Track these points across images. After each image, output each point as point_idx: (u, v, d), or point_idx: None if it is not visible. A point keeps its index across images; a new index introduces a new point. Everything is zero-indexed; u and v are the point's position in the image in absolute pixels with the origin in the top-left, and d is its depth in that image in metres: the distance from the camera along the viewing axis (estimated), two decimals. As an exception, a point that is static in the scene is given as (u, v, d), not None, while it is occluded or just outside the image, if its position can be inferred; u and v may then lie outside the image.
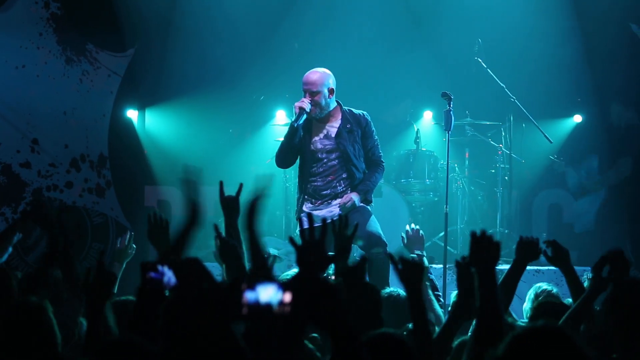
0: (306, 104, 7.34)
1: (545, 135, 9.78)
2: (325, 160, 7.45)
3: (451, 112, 8.08)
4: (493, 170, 10.47)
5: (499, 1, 10.69)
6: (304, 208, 7.42)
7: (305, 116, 7.33)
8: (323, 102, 7.37)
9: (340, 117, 7.47)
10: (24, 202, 10.22)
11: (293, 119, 7.41)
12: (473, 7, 10.74)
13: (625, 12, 10.61)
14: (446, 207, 8.32)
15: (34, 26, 10.34)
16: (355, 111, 7.56)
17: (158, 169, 10.86)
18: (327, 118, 7.46)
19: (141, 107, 11.17)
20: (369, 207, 7.46)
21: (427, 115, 11.23)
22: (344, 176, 7.47)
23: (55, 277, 5.21)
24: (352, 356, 2.63)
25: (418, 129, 10.34)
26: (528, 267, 4.73)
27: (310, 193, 7.43)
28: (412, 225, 6.27)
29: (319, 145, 7.45)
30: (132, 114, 11.01)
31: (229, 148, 11.18)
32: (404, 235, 6.19)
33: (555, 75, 10.84)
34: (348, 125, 7.46)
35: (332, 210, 7.34)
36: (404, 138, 10.81)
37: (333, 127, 7.45)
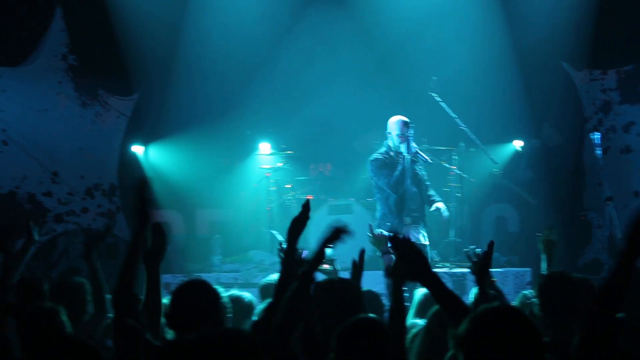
0: None
1: (490, 158, 10.71)
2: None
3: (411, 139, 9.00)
4: (447, 189, 10.88)
5: (451, 45, 11.39)
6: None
7: None
8: None
9: None
10: (46, 226, 10.98)
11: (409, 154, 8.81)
12: (429, 50, 11.40)
13: (557, 53, 11.42)
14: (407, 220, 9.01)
15: (54, 76, 11.21)
16: None
17: (160, 195, 11.24)
18: None
19: (145, 143, 12.08)
20: None
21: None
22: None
23: (82, 287, 5.28)
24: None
25: (383, 154, 10.79)
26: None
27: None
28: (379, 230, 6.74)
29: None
30: (137, 148, 11.93)
31: (221, 175, 11.86)
32: (369, 234, 6.45)
33: (499, 107, 11.60)
34: None
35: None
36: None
37: None
